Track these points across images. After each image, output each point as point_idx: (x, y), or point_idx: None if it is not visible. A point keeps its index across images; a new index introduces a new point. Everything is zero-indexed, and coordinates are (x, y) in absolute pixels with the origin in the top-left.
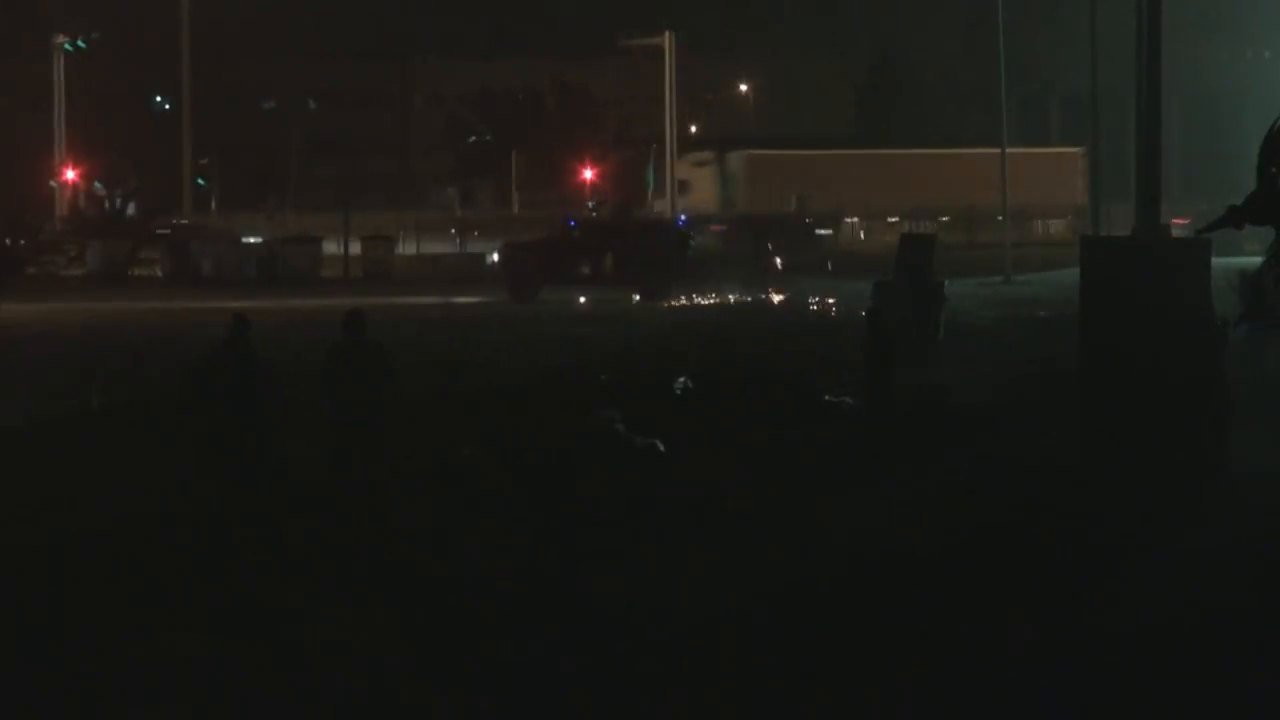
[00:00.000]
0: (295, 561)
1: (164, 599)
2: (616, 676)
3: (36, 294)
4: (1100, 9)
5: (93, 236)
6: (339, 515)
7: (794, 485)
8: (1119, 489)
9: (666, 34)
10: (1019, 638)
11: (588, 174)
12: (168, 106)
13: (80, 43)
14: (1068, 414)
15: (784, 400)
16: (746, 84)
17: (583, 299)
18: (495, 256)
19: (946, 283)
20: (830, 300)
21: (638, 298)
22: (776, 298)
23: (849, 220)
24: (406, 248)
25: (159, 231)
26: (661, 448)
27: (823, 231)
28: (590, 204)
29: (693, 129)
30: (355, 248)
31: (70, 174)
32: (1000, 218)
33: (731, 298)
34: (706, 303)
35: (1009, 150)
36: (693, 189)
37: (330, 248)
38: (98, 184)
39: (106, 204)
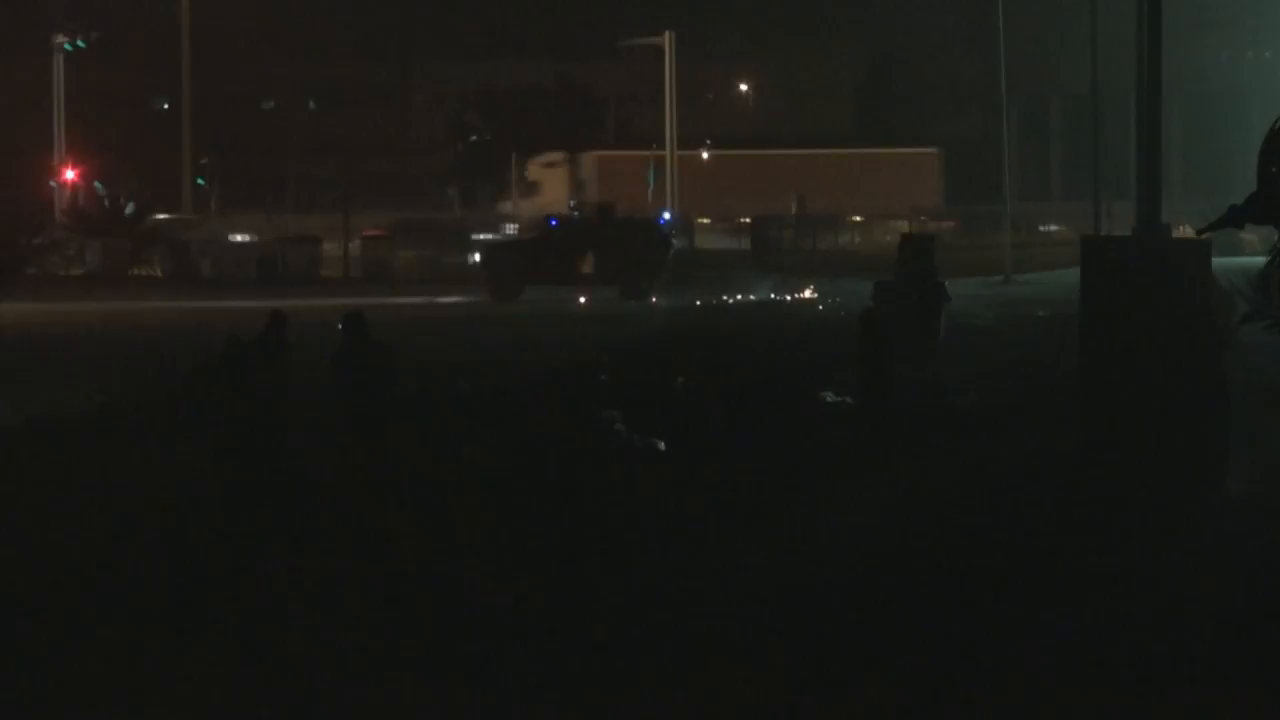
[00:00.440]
0: (300, 560)
1: (165, 599)
2: (620, 676)
3: (37, 294)
4: (1100, 9)
5: (93, 236)
6: (343, 515)
7: (793, 485)
8: (1119, 489)
9: (666, 34)
10: (1016, 637)
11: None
12: (167, 106)
13: (80, 43)
14: (1067, 414)
15: (784, 400)
16: (746, 84)
17: (564, 298)
18: (477, 256)
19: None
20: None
21: (619, 296)
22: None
23: (702, 222)
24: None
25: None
26: (662, 447)
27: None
28: (571, 203)
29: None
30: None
31: (70, 174)
32: (858, 219)
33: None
34: (685, 303)
35: (865, 151)
36: (543, 190)
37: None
38: (98, 184)
39: (107, 204)
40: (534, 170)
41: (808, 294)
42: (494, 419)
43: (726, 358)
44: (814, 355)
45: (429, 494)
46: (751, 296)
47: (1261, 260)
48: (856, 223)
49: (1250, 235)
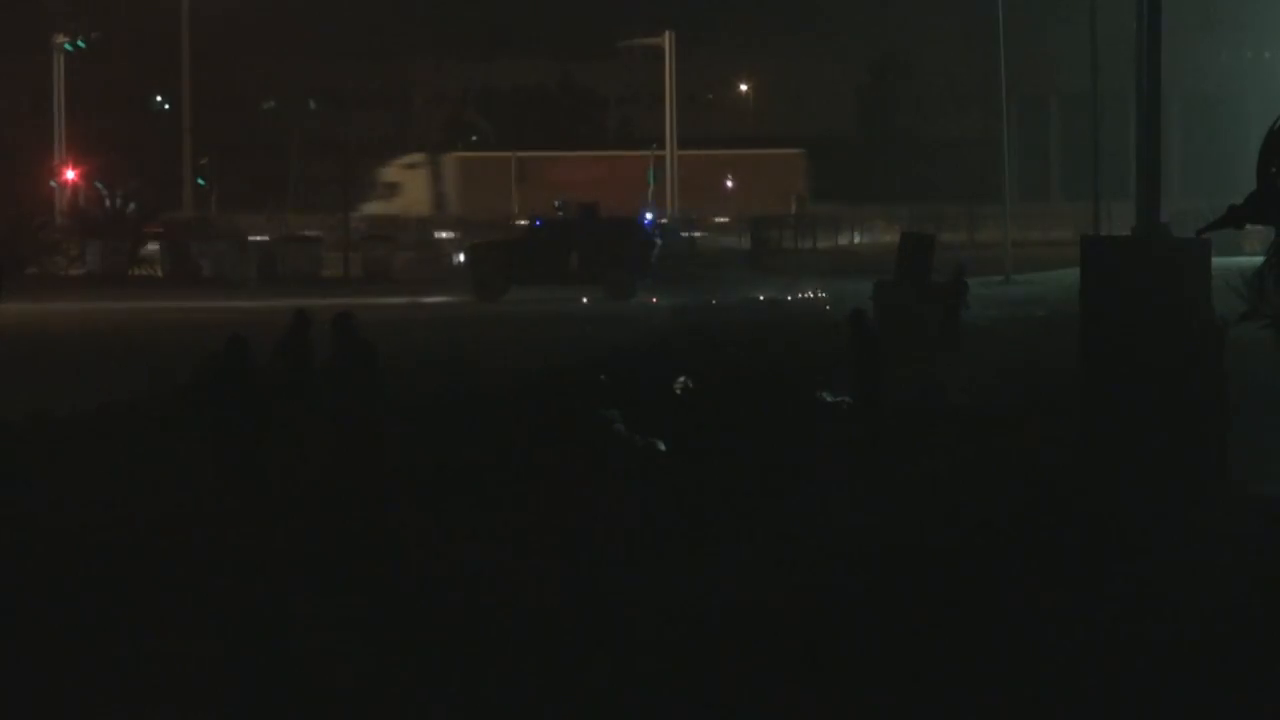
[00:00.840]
0: (300, 561)
1: (166, 599)
2: (622, 675)
3: (38, 294)
4: (1100, 9)
5: (93, 236)
6: (342, 516)
7: (792, 485)
8: (1118, 489)
9: (667, 34)
10: (1015, 638)
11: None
12: (167, 106)
13: (80, 43)
14: (1068, 414)
15: (782, 400)
16: (746, 84)
17: (545, 298)
18: (461, 256)
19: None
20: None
21: (585, 298)
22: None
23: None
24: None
25: (151, 229)
26: (662, 447)
27: (444, 235)
28: (556, 203)
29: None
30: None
31: (70, 174)
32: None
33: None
34: (668, 301)
35: (731, 152)
36: (403, 191)
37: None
38: (98, 184)
39: (107, 203)
40: (394, 172)
41: (807, 294)
42: (491, 419)
43: (724, 357)
44: (813, 355)
45: (429, 494)
46: (759, 296)
47: (1259, 260)
48: (856, 223)
49: (1249, 235)
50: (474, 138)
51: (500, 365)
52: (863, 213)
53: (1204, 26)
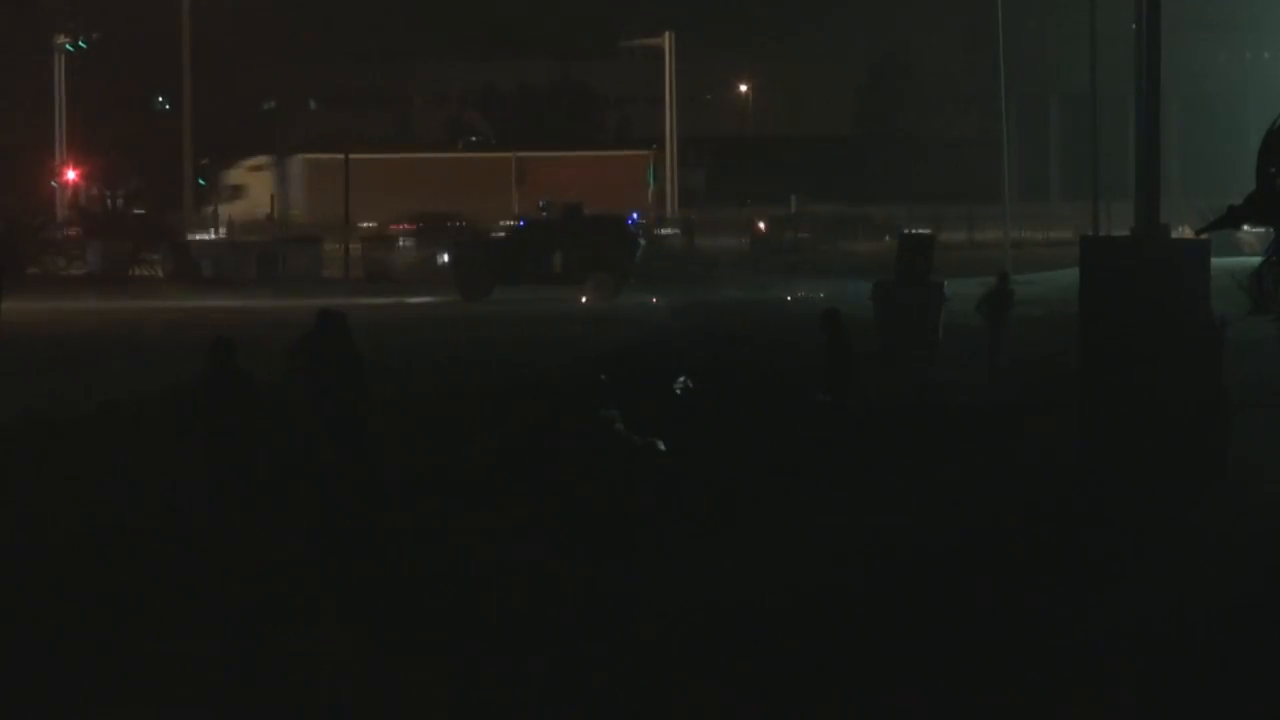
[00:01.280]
0: (299, 563)
1: (166, 598)
2: (622, 675)
3: (38, 294)
4: (1100, 9)
5: (93, 236)
6: (343, 517)
7: (791, 484)
8: (1118, 489)
9: (667, 34)
10: (1014, 637)
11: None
12: (168, 106)
13: (80, 43)
14: (1067, 414)
15: (782, 401)
16: (747, 84)
17: (533, 298)
18: (446, 256)
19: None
20: None
21: (585, 297)
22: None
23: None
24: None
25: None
26: (662, 447)
27: (197, 237)
28: (540, 204)
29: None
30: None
31: (70, 174)
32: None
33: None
34: (655, 301)
35: (575, 153)
36: (249, 194)
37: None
38: (105, 191)
39: (107, 203)
40: (238, 174)
41: (806, 294)
42: (489, 418)
43: (723, 357)
44: (812, 355)
45: (427, 493)
46: (759, 296)
47: (1258, 260)
48: (857, 224)
49: (1249, 235)
50: (474, 138)
51: (500, 365)
52: (862, 213)
53: (1204, 26)
